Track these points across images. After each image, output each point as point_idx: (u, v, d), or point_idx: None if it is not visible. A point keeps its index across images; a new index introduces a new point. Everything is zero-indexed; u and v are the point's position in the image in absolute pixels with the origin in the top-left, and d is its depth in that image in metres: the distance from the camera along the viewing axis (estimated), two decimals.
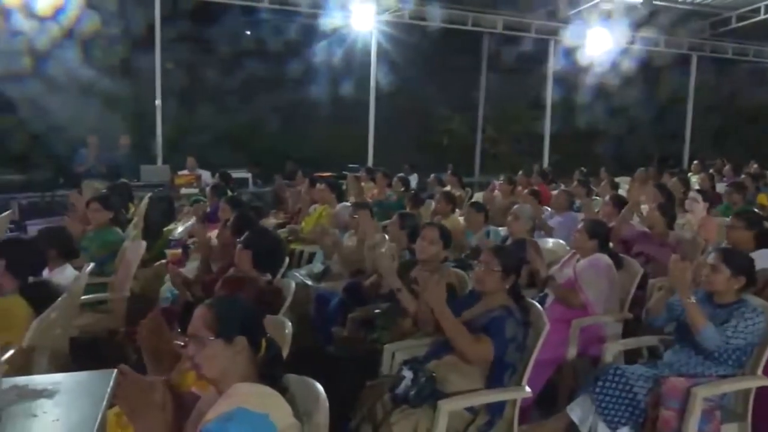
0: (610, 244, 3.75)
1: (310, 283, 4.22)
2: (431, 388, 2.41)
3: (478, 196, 7.20)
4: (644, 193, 5.50)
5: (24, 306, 2.59)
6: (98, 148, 8.53)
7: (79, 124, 9.35)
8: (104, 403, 1.10)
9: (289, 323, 2.42)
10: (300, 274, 4.40)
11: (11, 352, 2.24)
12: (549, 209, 5.66)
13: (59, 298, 2.73)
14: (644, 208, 5.22)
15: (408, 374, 2.44)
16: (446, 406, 2.32)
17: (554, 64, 11.93)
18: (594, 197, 6.56)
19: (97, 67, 9.71)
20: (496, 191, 7.27)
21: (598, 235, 3.55)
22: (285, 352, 2.02)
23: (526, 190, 6.13)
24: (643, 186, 6.46)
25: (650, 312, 2.96)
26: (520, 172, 8.31)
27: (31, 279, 2.80)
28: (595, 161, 10.77)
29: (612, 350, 2.95)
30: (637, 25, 11.19)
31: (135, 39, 9.89)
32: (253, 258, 3.02)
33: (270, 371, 1.69)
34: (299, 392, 1.77)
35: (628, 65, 11.69)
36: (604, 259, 3.45)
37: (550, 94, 12.21)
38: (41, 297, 2.66)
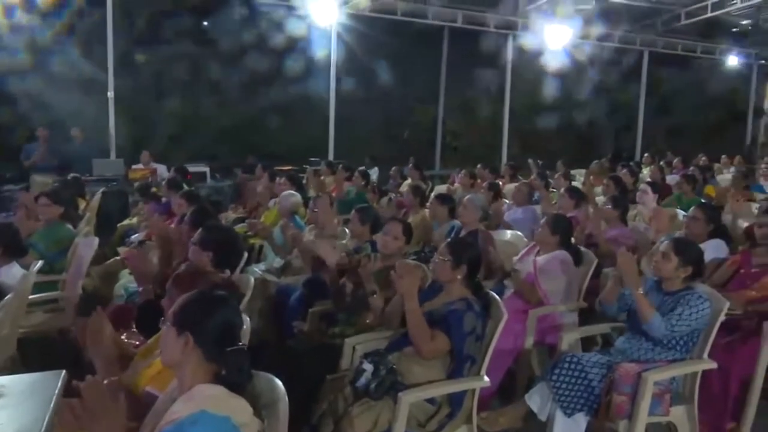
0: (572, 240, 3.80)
1: (269, 278, 4.17)
2: (392, 380, 2.41)
3: (439, 189, 7.24)
4: (599, 185, 5.65)
5: None
6: (48, 141, 8.22)
7: (30, 117, 9.01)
8: (52, 405, 1.06)
9: (248, 318, 2.38)
10: (260, 269, 4.34)
11: None
12: (508, 202, 5.74)
13: (5, 298, 2.63)
14: (599, 199, 5.35)
15: (368, 367, 2.44)
16: (406, 398, 2.33)
17: (512, 58, 12.15)
18: (551, 189, 6.68)
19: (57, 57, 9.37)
20: (456, 184, 7.31)
21: (561, 230, 3.59)
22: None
23: (485, 183, 6.19)
24: (598, 178, 6.62)
25: (603, 301, 3.03)
26: (479, 166, 8.36)
27: None
28: (553, 155, 10.96)
29: (568, 339, 3.02)
30: (592, 22, 11.47)
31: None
32: (211, 255, 2.94)
33: (231, 379, 1.65)
34: (260, 388, 1.75)
35: (583, 61, 12.02)
36: (565, 255, 3.50)
37: (509, 88, 12.41)
38: None
